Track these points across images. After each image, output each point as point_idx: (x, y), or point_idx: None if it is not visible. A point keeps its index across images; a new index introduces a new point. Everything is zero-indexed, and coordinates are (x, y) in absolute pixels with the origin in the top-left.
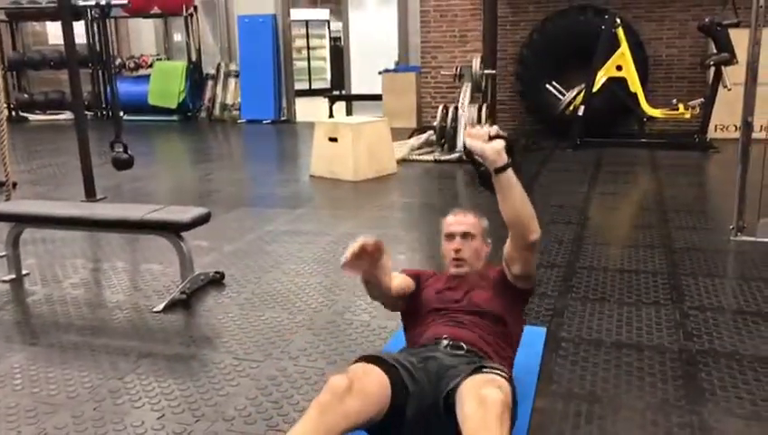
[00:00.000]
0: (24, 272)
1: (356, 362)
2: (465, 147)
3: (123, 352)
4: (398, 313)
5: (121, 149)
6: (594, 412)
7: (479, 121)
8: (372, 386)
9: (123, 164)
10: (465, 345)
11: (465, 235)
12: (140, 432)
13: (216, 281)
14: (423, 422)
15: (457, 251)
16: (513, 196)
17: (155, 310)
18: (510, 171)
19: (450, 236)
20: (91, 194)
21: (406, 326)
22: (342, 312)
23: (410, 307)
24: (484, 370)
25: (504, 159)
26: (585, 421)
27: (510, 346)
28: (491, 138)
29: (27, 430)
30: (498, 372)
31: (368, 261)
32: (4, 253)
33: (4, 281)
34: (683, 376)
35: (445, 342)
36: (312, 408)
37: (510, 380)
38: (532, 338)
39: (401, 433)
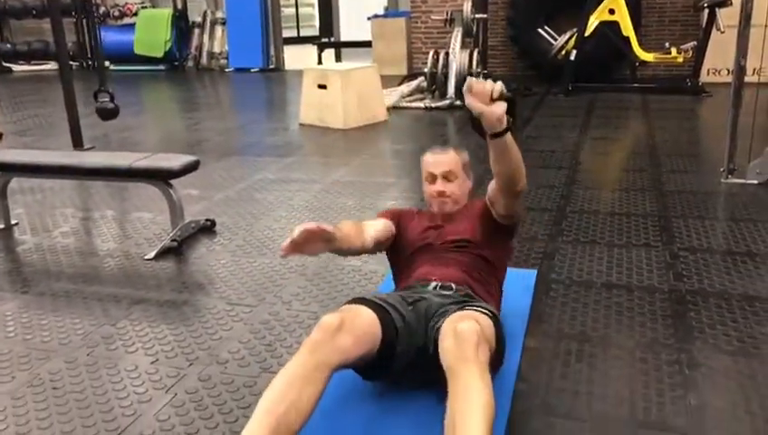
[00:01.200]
0: (12, 222)
1: (346, 304)
2: (463, 93)
3: (115, 299)
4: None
5: (107, 99)
6: (584, 351)
7: (470, 67)
8: (363, 324)
9: (109, 114)
10: (453, 285)
11: (446, 174)
12: (134, 377)
13: (207, 229)
14: (414, 362)
15: (441, 193)
16: (508, 157)
17: (146, 257)
18: (507, 136)
19: (431, 177)
20: (78, 144)
21: (393, 267)
22: (334, 257)
23: (395, 249)
24: (466, 307)
25: (504, 124)
26: (575, 360)
27: (496, 278)
28: (493, 100)
29: (21, 376)
30: (479, 308)
31: (315, 244)
32: None
33: None
34: (672, 315)
35: (434, 283)
36: (304, 346)
37: (493, 315)
38: (523, 280)
39: (392, 372)
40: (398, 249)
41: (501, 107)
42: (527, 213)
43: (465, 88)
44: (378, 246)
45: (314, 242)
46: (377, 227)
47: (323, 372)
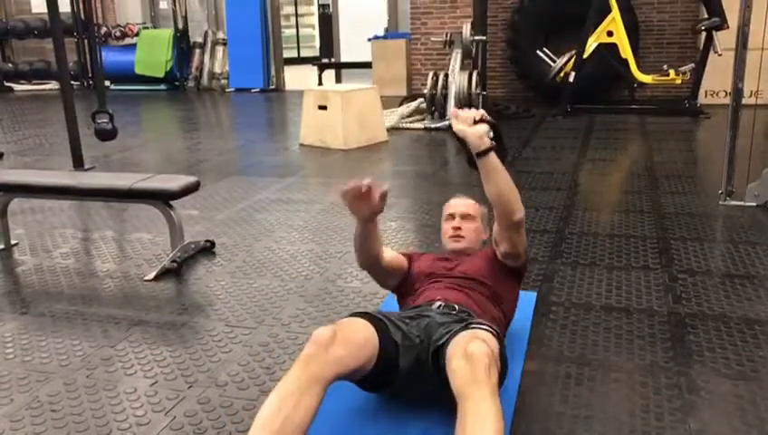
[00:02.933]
0: (12, 242)
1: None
2: (452, 131)
3: (115, 321)
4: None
5: (105, 120)
6: (584, 374)
7: (469, 88)
8: (357, 335)
9: (107, 135)
10: (457, 306)
11: (464, 216)
12: (133, 399)
13: (207, 249)
14: (416, 377)
15: (456, 229)
16: (496, 178)
17: (146, 278)
18: (492, 156)
19: (450, 217)
20: (78, 164)
21: (399, 300)
22: (334, 279)
23: (402, 284)
24: (471, 326)
25: (486, 143)
26: (575, 383)
27: (502, 311)
28: (475, 122)
29: (20, 398)
30: (484, 327)
31: (371, 203)
32: None
33: None
34: (671, 338)
35: (438, 303)
36: (298, 360)
37: (497, 335)
38: (523, 303)
39: (394, 387)
40: (406, 284)
41: (482, 127)
42: (528, 255)
43: (451, 116)
44: (387, 271)
45: (372, 201)
46: (391, 254)
47: (318, 385)
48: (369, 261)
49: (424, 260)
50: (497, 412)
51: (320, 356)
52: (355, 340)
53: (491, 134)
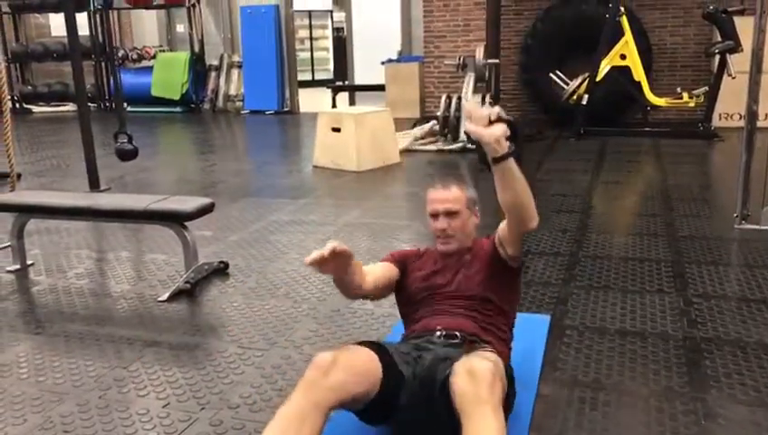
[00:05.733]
0: (28, 262)
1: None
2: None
3: (128, 342)
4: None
5: (125, 140)
6: (599, 399)
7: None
8: (359, 361)
9: (128, 155)
10: (458, 334)
11: (449, 213)
12: (146, 420)
13: (221, 271)
14: (417, 411)
15: (443, 231)
16: (513, 185)
17: (159, 299)
18: (510, 161)
19: (434, 215)
20: (95, 185)
21: (401, 312)
22: (347, 301)
23: (400, 293)
24: (476, 348)
25: (504, 147)
26: (590, 408)
27: (506, 324)
28: (491, 122)
29: (33, 419)
30: (489, 349)
31: (336, 264)
32: (8, 243)
33: (9, 271)
34: (687, 363)
35: (438, 333)
36: (298, 386)
37: (501, 354)
38: (537, 326)
39: (393, 421)
40: (403, 294)
41: (499, 128)
42: (540, 257)
43: (464, 114)
44: (378, 291)
45: (337, 261)
46: (375, 274)
47: (319, 411)
48: (351, 294)
49: (418, 271)
50: (500, 430)
51: (320, 381)
52: (356, 365)
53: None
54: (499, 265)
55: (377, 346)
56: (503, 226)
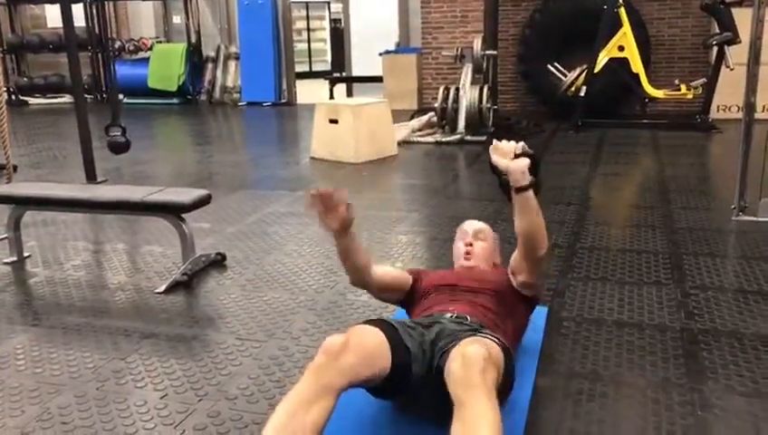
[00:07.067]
0: (25, 254)
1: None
2: (489, 161)
3: (125, 333)
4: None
5: (118, 133)
6: (596, 390)
7: (480, 102)
8: (368, 342)
9: (120, 148)
10: (468, 317)
11: (477, 233)
12: (143, 411)
13: (218, 262)
14: (428, 385)
15: (469, 245)
16: (530, 214)
17: (157, 291)
18: (530, 192)
19: (464, 236)
20: (91, 177)
21: (408, 311)
22: (344, 292)
23: (411, 296)
24: (478, 334)
25: (528, 179)
26: (587, 399)
27: (513, 327)
28: (516, 155)
29: (31, 410)
30: (490, 336)
31: (336, 216)
32: (5, 235)
33: (6, 263)
34: (684, 355)
35: (449, 314)
36: (308, 370)
37: (504, 347)
38: (534, 317)
39: (407, 394)
40: (415, 294)
41: (524, 161)
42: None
43: (491, 148)
44: (381, 288)
45: (339, 212)
46: (389, 271)
47: (330, 394)
48: (358, 275)
49: (433, 275)
50: (493, 419)
51: (330, 365)
52: (366, 347)
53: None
54: (511, 289)
55: (384, 324)
56: (515, 255)
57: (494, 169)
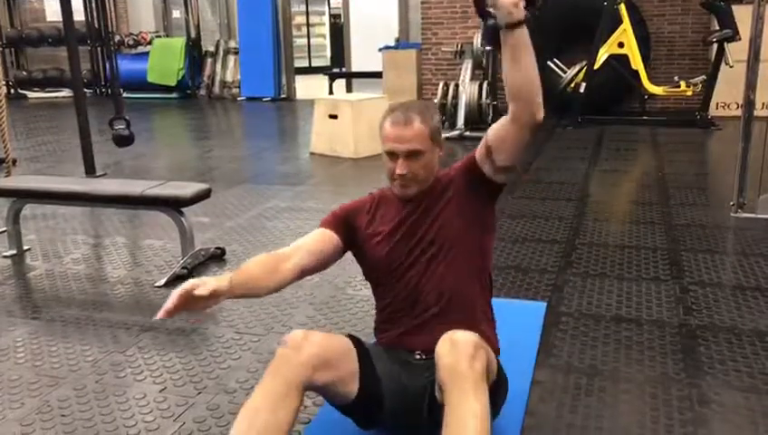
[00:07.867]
0: (24, 247)
1: None
2: None
3: (125, 326)
4: None
5: (123, 126)
6: (594, 385)
7: (480, 98)
8: (332, 340)
9: (124, 140)
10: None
11: (410, 154)
12: (143, 404)
13: (217, 257)
14: (404, 419)
15: (402, 176)
16: (525, 59)
17: (156, 285)
18: (524, 30)
19: (391, 154)
20: (91, 171)
21: (367, 278)
22: (343, 287)
23: (361, 264)
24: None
25: (521, 12)
26: (585, 394)
27: (487, 282)
28: None
29: (30, 403)
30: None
31: (199, 302)
32: (4, 228)
33: (6, 256)
34: (682, 350)
35: (417, 356)
36: (270, 366)
37: (490, 341)
38: (533, 312)
39: (387, 425)
40: (364, 264)
41: None
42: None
43: None
44: (310, 273)
45: (197, 301)
46: (309, 249)
47: (295, 390)
48: (280, 287)
49: (376, 237)
50: (481, 410)
51: (292, 358)
52: (330, 346)
53: None
54: (476, 185)
55: (354, 339)
56: (499, 126)
57: (480, 8)
